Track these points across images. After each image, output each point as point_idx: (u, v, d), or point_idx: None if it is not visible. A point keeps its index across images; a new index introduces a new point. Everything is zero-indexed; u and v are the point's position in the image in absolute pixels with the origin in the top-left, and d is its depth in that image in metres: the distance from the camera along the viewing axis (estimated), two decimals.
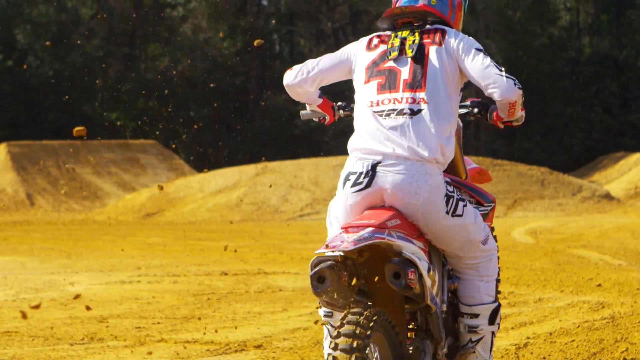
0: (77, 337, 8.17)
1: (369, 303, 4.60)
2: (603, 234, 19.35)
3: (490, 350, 5.02)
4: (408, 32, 4.94)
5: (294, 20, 49.68)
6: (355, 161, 4.81)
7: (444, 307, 4.92)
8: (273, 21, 47.61)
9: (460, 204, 4.81)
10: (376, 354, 4.41)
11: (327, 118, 5.47)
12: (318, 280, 4.52)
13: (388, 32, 5.00)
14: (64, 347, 7.70)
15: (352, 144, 4.86)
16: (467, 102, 5.26)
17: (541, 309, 9.22)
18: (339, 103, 5.49)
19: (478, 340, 4.99)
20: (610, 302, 9.47)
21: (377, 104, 4.85)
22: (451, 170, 5.10)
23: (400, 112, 4.80)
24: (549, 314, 8.92)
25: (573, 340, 7.55)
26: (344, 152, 4.99)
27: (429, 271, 4.63)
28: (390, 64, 4.89)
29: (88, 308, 8.44)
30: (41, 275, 12.70)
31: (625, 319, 8.47)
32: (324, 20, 48.61)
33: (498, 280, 5.08)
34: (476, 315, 4.97)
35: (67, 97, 42.27)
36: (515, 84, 4.82)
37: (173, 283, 11.95)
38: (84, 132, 7.12)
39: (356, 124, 4.91)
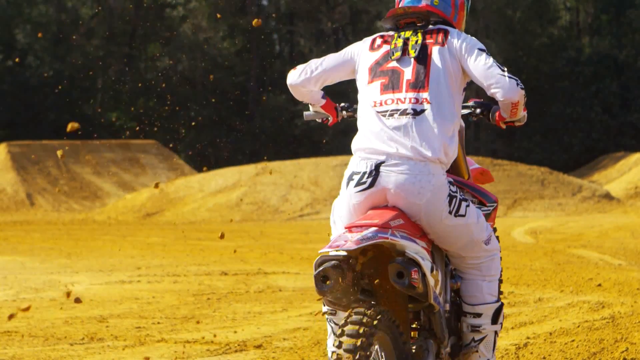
0: (77, 337, 8.17)
1: (373, 302, 4.61)
2: (603, 234, 19.35)
3: (493, 349, 5.04)
4: (411, 32, 4.95)
5: (294, 20, 49.68)
6: (358, 161, 4.82)
7: (447, 307, 4.94)
8: (273, 14, 47.57)
9: (463, 204, 4.83)
10: (380, 353, 4.44)
11: (331, 119, 5.48)
12: (322, 279, 4.54)
13: (391, 33, 5.01)
14: (64, 347, 7.70)
15: (355, 143, 4.88)
16: (470, 103, 5.27)
17: (541, 309, 9.22)
18: (342, 104, 5.50)
19: (481, 340, 5.00)
20: (610, 302, 9.47)
21: (381, 104, 4.86)
22: (454, 170, 5.11)
23: (404, 112, 4.81)
24: (549, 314, 8.92)
25: (573, 340, 7.56)
26: (344, 152, 5.01)
27: (432, 271, 4.65)
28: (394, 64, 4.91)
29: (77, 300, 8.41)
30: (41, 275, 12.70)
31: (625, 319, 8.47)
32: (324, 20, 48.61)
33: (500, 280, 5.09)
34: (479, 315, 4.98)
35: (67, 98, 42.28)
36: (517, 84, 4.83)
37: (173, 283, 11.95)
38: (77, 127, 7.13)
39: (360, 124, 4.93)
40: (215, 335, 8.14)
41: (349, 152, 4.98)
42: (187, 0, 48.23)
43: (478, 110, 5.23)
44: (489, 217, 5.17)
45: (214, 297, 10.58)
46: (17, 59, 43.39)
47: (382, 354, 4.45)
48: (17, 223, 26.79)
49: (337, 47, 45.76)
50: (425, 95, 4.82)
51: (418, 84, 4.83)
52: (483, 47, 4.89)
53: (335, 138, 42.20)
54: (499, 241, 5.12)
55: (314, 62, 5.18)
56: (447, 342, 4.89)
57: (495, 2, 47.01)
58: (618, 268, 12.85)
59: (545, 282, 11.30)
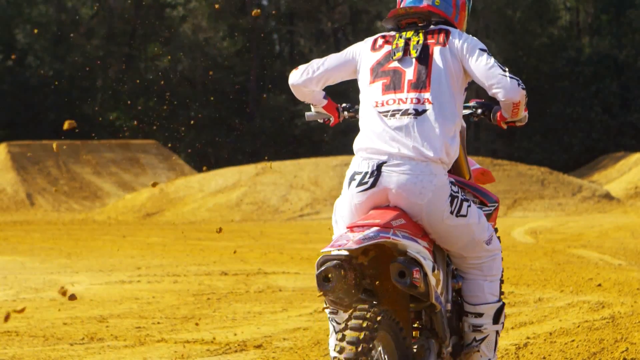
0: (77, 337, 8.17)
1: (374, 302, 4.62)
2: (603, 234, 19.35)
3: (495, 349, 5.06)
4: (412, 32, 4.96)
5: (294, 20, 49.68)
6: (360, 161, 4.83)
7: (449, 306, 4.95)
8: (273, 11, 47.54)
9: (465, 204, 4.84)
10: (382, 353, 4.45)
11: (332, 119, 5.49)
12: (324, 279, 4.56)
13: (392, 33, 5.03)
14: (64, 347, 7.70)
15: (357, 143, 4.89)
16: (471, 103, 5.29)
17: (541, 309, 9.22)
18: (344, 104, 5.52)
19: (482, 339, 5.02)
20: (610, 302, 9.47)
21: (382, 105, 4.87)
22: (455, 170, 5.12)
23: (405, 113, 4.82)
24: (549, 314, 8.92)
25: (573, 340, 7.56)
26: (344, 152, 5.02)
27: (433, 270, 4.66)
28: (395, 64, 4.92)
29: (65, 294, 8.38)
30: (41, 275, 12.70)
31: (625, 319, 8.47)
32: (324, 20, 48.61)
33: (502, 281, 5.10)
34: (480, 315, 5.00)
35: (67, 98, 42.28)
36: (519, 84, 4.84)
37: (173, 283, 11.95)
38: (74, 125, 7.13)
39: (362, 124, 4.94)
40: (215, 336, 8.14)
41: (349, 152, 4.99)
42: (187, 0, 48.23)
43: (479, 111, 5.25)
44: (490, 217, 5.19)
45: (214, 297, 10.58)
46: (12, 55, 43.34)
47: (384, 353, 4.47)
48: (17, 223, 26.79)
49: (337, 47, 45.77)
50: (426, 95, 4.83)
51: (419, 84, 4.84)
52: (484, 47, 4.91)
53: (335, 138, 42.21)
54: (500, 241, 5.12)
55: (315, 62, 5.19)
56: (448, 341, 4.90)
57: (495, 2, 47.01)
58: (618, 268, 12.85)
59: (545, 282, 11.30)
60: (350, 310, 4.43)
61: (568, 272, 12.29)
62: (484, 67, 4.85)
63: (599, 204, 29.60)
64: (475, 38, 4.94)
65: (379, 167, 4.77)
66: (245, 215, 27.97)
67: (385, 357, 4.47)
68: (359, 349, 4.27)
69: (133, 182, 35.42)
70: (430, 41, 4.92)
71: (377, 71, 4.94)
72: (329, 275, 4.54)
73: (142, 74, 46.04)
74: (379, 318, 4.36)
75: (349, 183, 4.84)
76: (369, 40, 5.07)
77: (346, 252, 4.56)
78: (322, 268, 4.55)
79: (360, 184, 4.79)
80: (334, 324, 4.99)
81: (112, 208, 30.48)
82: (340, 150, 34.22)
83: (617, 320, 8.43)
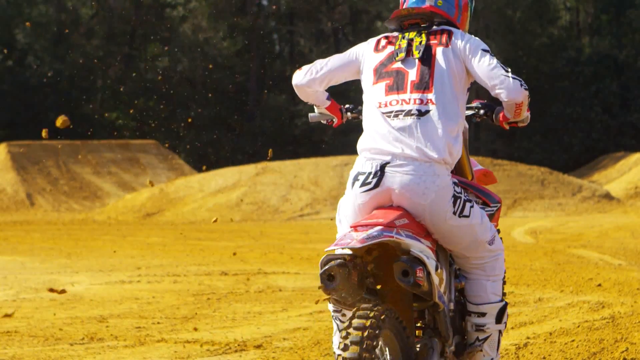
0: (77, 337, 8.17)
1: (378, 301, 4.64)
2: (603, 234, 19.36)
3: (497, 348, 5.08)
4: (415, 33, 4.97)
5: (294, 20, 49.69)
6: (364, 161, 4.85)
7: (452, 306, 4.97)
8: (274, 6, 47.49)
9: (467, 204, 4.86)
10: (385, 351, 4.47)
11: (335, 120, 5.51)
12: (328, 278, 4.58)
13: (395, 34, 5.04)
14: (64, 347, 7.70)
15: (361, 144, 4.91)
16: (474, 104, 5.30)
17: (541, 309, 9.23)
18: (347, 105, 5.53)
19: (485, 339, 5.04)
20: (610, 302, 9.47)
21: (386, 105, 4.89)
22: (457, 171, 5.13)
23: (408, 113, 4.83)
24: (549, 314, 8.92)
25: (573, 340, 7.56)
26: (344, 152, 5.03)
27: (436, 269, 4.68)
28: (398, 65, 4.93)
29: (52, 290, 8.39)
30: (41, 275, 12.70)
31: (625, 319, 8.47)
32: (324, 20, 48.61)
33: (504, 281, 5.12)
34: (483, 314, 5.02)
35: (67, 98, 42.28)
36: (521, 85, 4.86)
37: (173, 283, 11.95)
38: (67, 122, 7.11)
39: (365, 124, 4.96)
40: (215, 336, 8.14)
41: (349, 152, 5.01)
42: (187, 0, 48.22)
43: (482, 111, 5.26)
44: (492, 217, 5.21)
45: (214, 297, 10.58)
46: (5, 50, 43.32)
47: (388, 352, 4.49)
48: (17, 223, 26.80)
49: (337, 47, 45.77)
50: (429, 96, 4.84)
51: (422, 85, 4.86)
52: (487, 47, 4.92)
53: (335, 138, 42.20)
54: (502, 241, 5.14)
55: (319, 63, 5.21)
56: (451, 341, 4.92)
57: (495, 2, 47.01)
58: (618, 268, 12.85)
59: (545, 282, 11.30)
60: (354, 309, 4.45)
61: (568, 272, 12.30)
62: (487, 68, 4.86)
63: (599, 204, 29.60)
64: (477, 38, 4.96)
65: (382, 167, 4.79)
66: (245, 215, 27.98)
67: (389, 355, 4.49)
68: (363, 347, 4.28)
69: (133, 182, 35.42)
70: (432, 42, 4.93)
71: (380, 72, 4.96)
72: (333, 274, 4.55)
73: (142, 74, 46.04)
74: (382, 317, 4.39)
75: (353, 183, 4.86)
76: (372, 41, 5.09)
77: (350, 251, 4.57)
78: (326, 267, 4.58)
79: (363, 184, 4.81)
80: (338, 322, 5.00)
81: (112, 208, 30.48)
82: (340, 150, 34.21)
83: (617, 320, 8.44)
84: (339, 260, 4.56)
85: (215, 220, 8.29)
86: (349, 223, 4.88)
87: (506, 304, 5.07)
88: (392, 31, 5.07)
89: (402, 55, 4.92)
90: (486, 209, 5.19)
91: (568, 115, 46.23)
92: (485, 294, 5.01)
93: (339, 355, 4.34)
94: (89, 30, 47.20)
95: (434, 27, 4.99)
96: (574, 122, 46.21)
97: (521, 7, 48.00)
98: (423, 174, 4.76)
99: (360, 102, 5.11)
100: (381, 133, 4.84)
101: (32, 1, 46.67)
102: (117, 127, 44.22)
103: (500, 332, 5.06)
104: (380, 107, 4.89)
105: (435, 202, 4.76)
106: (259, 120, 44.86)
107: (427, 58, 4.89)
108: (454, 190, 4.82)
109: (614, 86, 46.80)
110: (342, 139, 39.79)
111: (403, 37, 4.97)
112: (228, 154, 42.24)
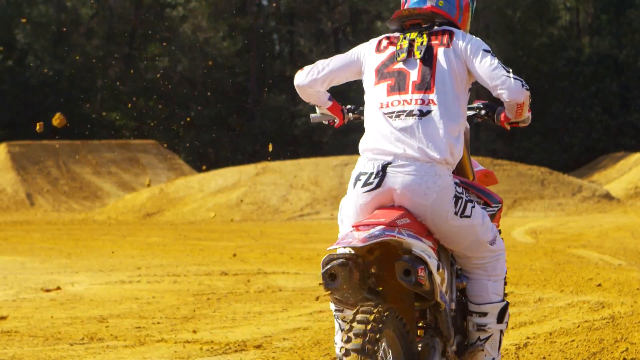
0: (77, 337, 8.17)
1: (379, 301, 4.64)
2: (603, 234, 19.36)
3: (499, 348, 5.10)
4: (416, 33, 4.98)
5: (294, 20, 49.69)
6: (366, 162, 4.86)
7: (453, 306, 4.98)
8: (274, 3, 47.46)
9: (469, 205, 4.86)
10: (387, 350, 4.48)
11: (337, 121, 5.51)
12: (330, 277, 4.58)
13: (397, 34, 5.04)
14: (64, 347, 7.70)
15: (363, 144, 4.92)
16: (475, 104, 5.31)
17: (541, 309, 9.23)
18: (349, 106, 5.54)
19: (487, 339, 5.05)
20: (610, 302, 9.47)
21: (387, 106, 4.89)
22: (459, 171, 5.14)
23: (410, 114, 4.84)
24: (549, 314, 8.92)
25: (573, 340, 7.56)
26: (344, 152, 5.03)
27: (438, 269, 4.69)
28: (399, 65, 4.94)
29: (47, 290, 8.39)
30: (41, 275, 12.70)
31: (625, 319, 8.47)
32: (324, 20, 48.61)
33: (505, 281, 5.12)
34: (484, 314, 5.03)
35: (67, 98, 42.28)
36: (523, 85, 4.87)
37: (173, 283, 11.95)
38: (64, 122, 7.11)
39: (367, 125, 4.97)
40: (215, 336, 8.14)
41: (349, 152, 5.01)
42: (187, 0, 48.23)
43: (483, 112, 5.28)
44: (493, 217, 5.22)
45: (214, 297, 10.58)
46: (1, 48, 43.31)
47: (389, 351, 4.50)
48: (17, 223, 26.80)
49: (337, 47, 45.77)
50: (431, 96, 4.85)
51: (424, 85, 4.87)
52: (488, 48, 4.93)
53: (335, 138, 42.19)
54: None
55: (320, 63, 5.22)
56: (453, 340, 4.94)
57: (495, 2, 47.02)
58: (618, 268, 12.85)
59: (545, 282, 11.30)
60: (356, 309, 4.45)
61: (568, 272, 12.30)
62: (488, 68, 4.87)
63: (599, 204, 29.60)
64: (479, 39, 4.96)
65: (384, 167, 4.80)
66: (245, 215, 27.98)
67: (391, 355, 4.50)
68: (365, 347, 4.29)
69: (133, 182, 35.42)
70: (434, 42, 4.94)
71: (381, 72, 4.96)
72: (335, 273, 4.56)
73: (142, 74, 46.04)
74: (384, 316, 4.39)
75: (355, 183, 4.87)
76: (374, 42, 5.10)
77: (352, 251, 4.58)
78: (328, 266, 4.58)
79: (365, 184, 4.82)
80: (340, 321, 5.01)
81: (112, 208, 30.48)
82: (340, 150, 34.20)
83: (617, 320, 8.44)
84: (340, 260, 4.57)
85: (214, 216, 8.25)
86: (350, 223, 4.89)
87: (507, 303, 5.08)
88: (393, 31, 5.08)
89: (403, 55, 4.93)
90: (487, 209, 5.20)
91: (568, 115, 46.23)
92: (487, 294, 5.03)
93: (340, 354, 4.34)
94: (89, 30, 47.20)
95: (435, 27, 5.00)
96: (574, 122, 46.21)
97: (521, 7, 48.00)
98: (425, 174, 4.76)
99: (361, 102, 5.12)
100: (383, 133, 4.85)
101: (32, 1, 46.67)
102: (116, 127, 44.23)
103: (501, 331, 5.08)
104: (381, 107, 4.90)
105: (437, 202, 4.77)
106: (259, 120, 44.87)
107: (429, 58, 4.90)
108: (456, 191, 4.83)
109: (614, 86, 46.80)
110: (342, 139, 39.80)
111: (404, 38, 4.98)
112: (228, 153, 42.26)
